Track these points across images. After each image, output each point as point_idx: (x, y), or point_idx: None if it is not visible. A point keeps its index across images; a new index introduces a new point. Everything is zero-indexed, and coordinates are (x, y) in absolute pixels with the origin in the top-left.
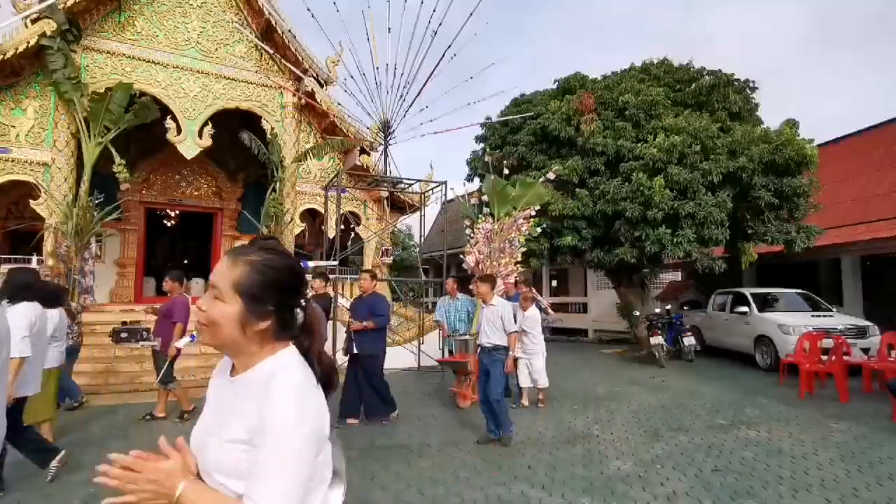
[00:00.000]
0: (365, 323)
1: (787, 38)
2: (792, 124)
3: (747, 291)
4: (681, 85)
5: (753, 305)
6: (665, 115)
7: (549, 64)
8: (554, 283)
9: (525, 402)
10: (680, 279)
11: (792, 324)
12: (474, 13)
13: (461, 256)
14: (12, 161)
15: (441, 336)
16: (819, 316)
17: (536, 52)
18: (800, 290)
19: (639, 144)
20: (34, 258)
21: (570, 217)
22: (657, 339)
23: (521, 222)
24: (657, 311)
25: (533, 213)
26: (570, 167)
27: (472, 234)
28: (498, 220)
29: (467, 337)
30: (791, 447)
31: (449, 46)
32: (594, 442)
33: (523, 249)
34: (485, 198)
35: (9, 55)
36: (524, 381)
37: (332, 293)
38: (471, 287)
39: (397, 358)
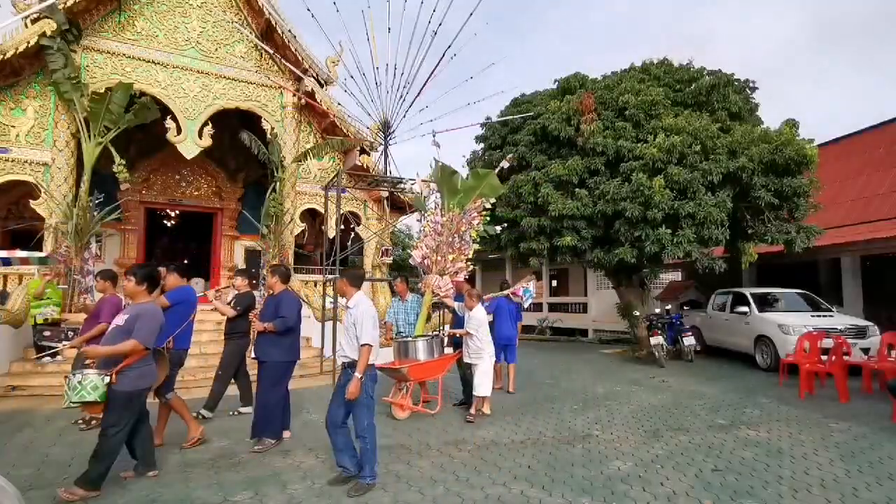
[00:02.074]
0: (266, 324)
1: (787, 37)
2: (792, 124)
3: (747, 291)
4: (681, 85)
5: (753, 305)
6: (665, 115)
7: (550, 64)
8: (554, 282)
9: (487, 410)
10: (680, 279)
11: (792, 324)
12: (474, 13)
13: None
14: (12, 161)
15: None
16: (819, 316)
17: (536, 52)
18: (800, 291)
19: (639, 144)
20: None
21: (570, 217)
22: (657, 339)
23: (474, 216)
24: (657, 311)
25: (488, 206)
26: (569, 167)
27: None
28: (447, 213)
29: (407, 339)
30: (791, 447)
31: (449, 46)
32: (594, 442)
33: (476, 246)
34: (434, 186)
35: (9, 55)
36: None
37: (255, 292)
38: (394, 287)
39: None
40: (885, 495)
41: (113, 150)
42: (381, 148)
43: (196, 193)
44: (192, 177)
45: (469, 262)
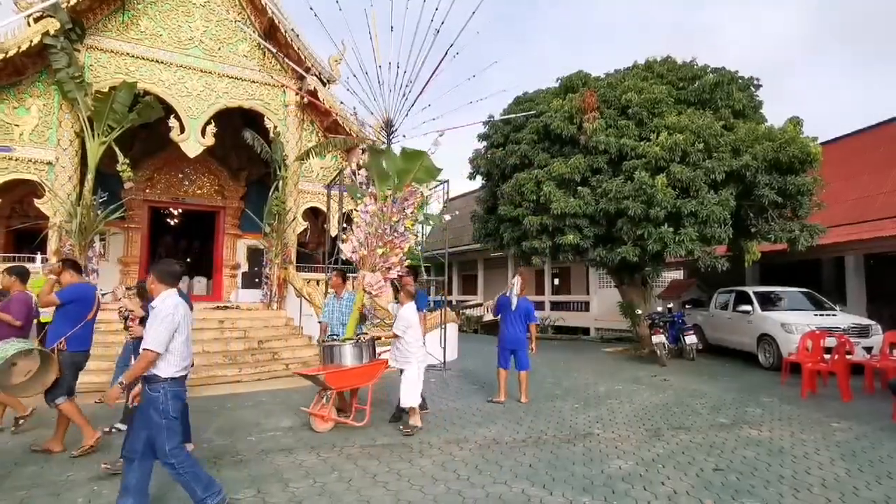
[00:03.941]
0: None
1: (791, 34)
2: (796, 122)
3: (750, 290)
4: (684, 83)
5: (756, 304)
6: (668, 114)
7: (552, 62)
8: (556, 281)
9: (417, 421)
10: (682, 278)
11: (795, 322)
12: (476, 11)
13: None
14: (16, 160)
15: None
16: (822, 315)
17: (539, 51)
18: (803, 289)
19: (641, 143)
20: (38, 257)
21: (573, 215)
22: (659, 338)
23: (408, 203)
24: (659, 309)
25: (427, 191)
26: (572, 165)
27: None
28: (379, 201)
29: (333, 343)
30: (792, 446)
31: (451, 45)
32: (595, 441)
33: (413, 240)
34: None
35: (11, 54)
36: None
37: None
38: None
39: None
40: (885, 494)
41: (117, 149)
42: (383, 146)
43: (199, 192)
44: (195, 175)
45: (405, 257)
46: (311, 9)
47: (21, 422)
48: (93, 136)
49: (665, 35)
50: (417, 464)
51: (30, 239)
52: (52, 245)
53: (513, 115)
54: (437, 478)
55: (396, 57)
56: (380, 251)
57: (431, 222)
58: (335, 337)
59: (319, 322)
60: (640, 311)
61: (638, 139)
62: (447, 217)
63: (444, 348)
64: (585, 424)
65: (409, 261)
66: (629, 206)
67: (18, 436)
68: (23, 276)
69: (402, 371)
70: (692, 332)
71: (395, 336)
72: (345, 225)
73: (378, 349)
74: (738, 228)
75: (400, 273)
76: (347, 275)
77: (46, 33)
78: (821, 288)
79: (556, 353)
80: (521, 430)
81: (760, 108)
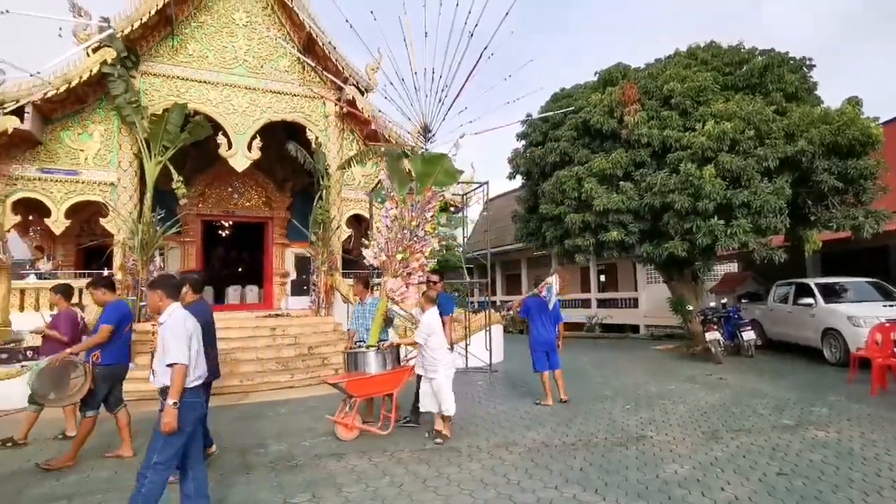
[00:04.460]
0: None
1: (846, 10)
2: (855, 102)
3: (812, 281)
4: (730, 68)
5: (819, 296)
6: (714, 101)
7: (590, 56)
8: (602, 277)
9: (440, 427)
10: (736, 271)
11: (862, 315)
12: (510, 11)
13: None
14: (83, 182)
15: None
16: (892, 306)
17: (576, 45)
18: (870, 279)
19: (686, 133)
20: (105, 272)
21: (616, 211)
22: (713, 335)
23: (429, 207)
24: (712, 304)
25: (448, 194)
26: (613, 160)
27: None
28: (400, 205)
29: (356, 350)
30: (862, 448)
31: (486, 47)
32: (648, 444)
33: (435, 245)
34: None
35: (74, 83)
36: (427, 405)
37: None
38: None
39: None
40: None
41: (171, 167)
42: (422, 152)
43: (248, 204)
44: (243, 188)
45: (428, 262)
46: (346, 21)
47: (59, 436)
48: (149, 156)
49: (704, 21)
50: (467, 468)
51: (98, 255)
52: (117, 261)
53: (551, 113)
54: (487, 482)
55: (432, 62)
56: (399, 256)
57: (454, 224)
58: (361, 343)
59: (347, 330)
60: (691, 307)
61: (682, 129)
62: (473, 219)
63: (490, 350)
64: (638, 426)
65: (430, 265)
66: (675, 200)
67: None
68: (67, 293)
69: (430, 379)
70: (750, 327)
71: (415, 344)
72: (368, 230)
73: (405, 354)
74: (795, 217)
75: (422, 279)
76: (371, 281)
77: (105, 62)
78: (889, 277)
79: (604, 352)
80: (571, 432)
81: (815, 90)
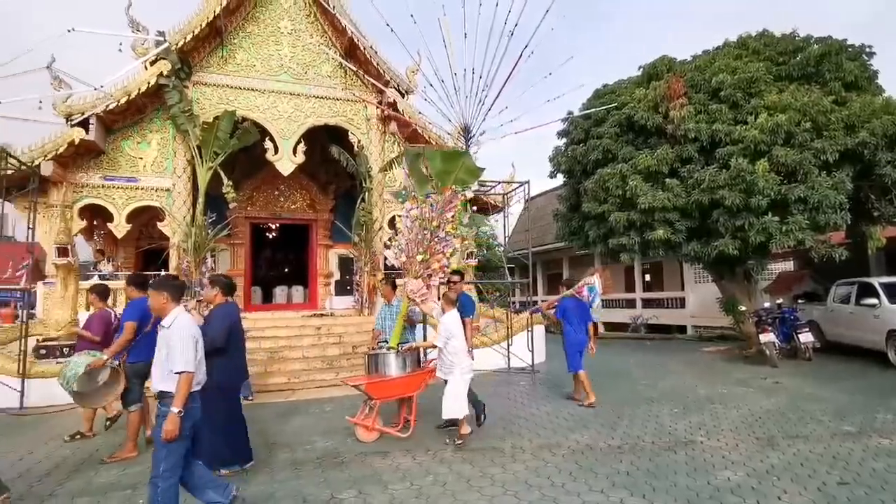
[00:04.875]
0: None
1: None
2: None
3: (876, 281)
4: (784, 57)
5: (884, 296)
6: (767, 92)
7: (632, 50)
8: (647, 277)
9: (466, 430)
10: (792, 270)
11: None
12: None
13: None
14: (142, 189)
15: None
16: None
17: (617, 39)
18: None
19: (737, 127)
20: (162, 274)
21: (662, 209)
22: (768, 337)
23: (450, 207)
24: (766, 305)
25: (469, 194)
26: (659, 157)
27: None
28: (420, 205)
29: (380, 351)
30: None
31: (526, 46)
32: (699, 449)
33: (457, 246)
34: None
35: (133, 95)
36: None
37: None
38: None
39: (487, 359)
40: None
41: (221, 172)
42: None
43: (293, 207)
44: (288, 191)
45: (450, 263)
46: (387, 24)
47: (108, 423)
48: (201, 162)
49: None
50: (510, 469)
51: (155, 257)
52: (172, 262)
53: (593, 110)
54: (531, 484)
55: (471, 62)
56: (419, 257)
57: (478, 224)
58: (384, 343)
59: (373, 329)
60: (743, 308)
61: (733, 123)
62: (515, 213)
63: (532, 351)
64: (687, 431)
65: (451, 266)
66: (725, 196)
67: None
68: (102, 293)
69: (445, 381)
70: (807, 329)
71: (433, 346)
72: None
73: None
74: (857, 213)
75: (442, 280)
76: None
77: (161, 74)
78: None
79: (650, 353)
80: (616, 435)
81: (875, 79)
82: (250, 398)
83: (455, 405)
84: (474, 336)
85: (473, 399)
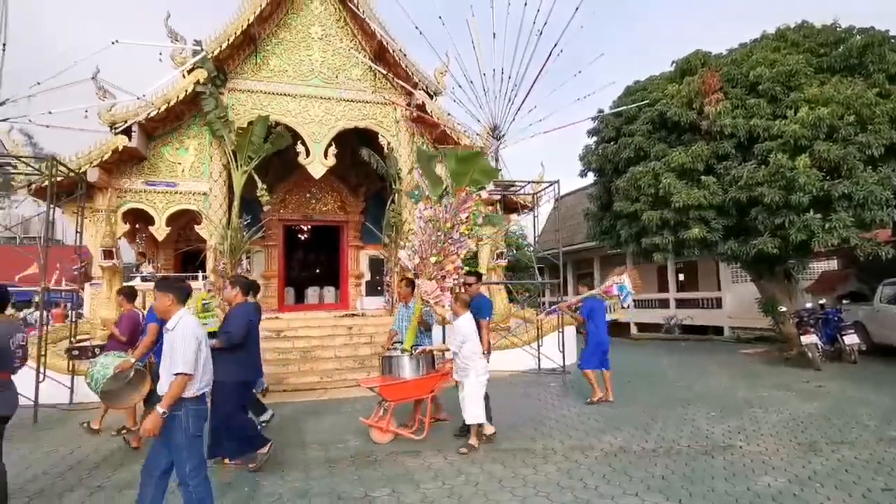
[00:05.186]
0: (213, 341)
1: None
2: None
3: None
4: (825, 49)
5: None
6: (807, 86)
7: (664, 46)
8: (681, 276)
9: (475, 441)
10: (836, 268)
11: None
12: (580, 8)
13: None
14: (180, 193)
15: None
16: None
17: (648, 36)
18: None
19: (776, 121)
20: (200, 275)
21: (697, 207)
22: (810, 338)
23: (464, 208)
24: (808, 305)
25: (484, 194)
26: (693, 154)
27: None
28: (434, 206)
29: (393, 353)
30: None
31: (555, 44)
32: (738, 454)
33: (472, 247)
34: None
35: (172, 103)
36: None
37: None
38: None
39: (517, 360)
40: None
41: (256, 176)
42: (491, 152)
43: (324, 209)
44: (320, 194)
45: (464, 264)
46: (416, 27)
47: (123, 431)
48: (236, 166)
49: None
50: (542, 470)
51: (193, 259)
52: (209, 264)
53: (624, 107)
54: (563, 486)
55: (500, 63)
56: (433, 259)
57: (494, 224)
58: (399, 344)
59: (389, 330)
60: (784, 308)
61: (772, 118)
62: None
63: (563, 352)
64: (725, 435)
65: (466, 268)
66: (764, 193)
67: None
68: (130, 295)
69: (461, 384)
70: (852, 330)
71: (447, 349)
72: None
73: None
74: None
75: (457, 281)
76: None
77: (198, 82)
78: None
79: (685, 354)
80: (651, 438)
81: None
82: (263, 390)
83: (473, 409)
84: (493, 338)
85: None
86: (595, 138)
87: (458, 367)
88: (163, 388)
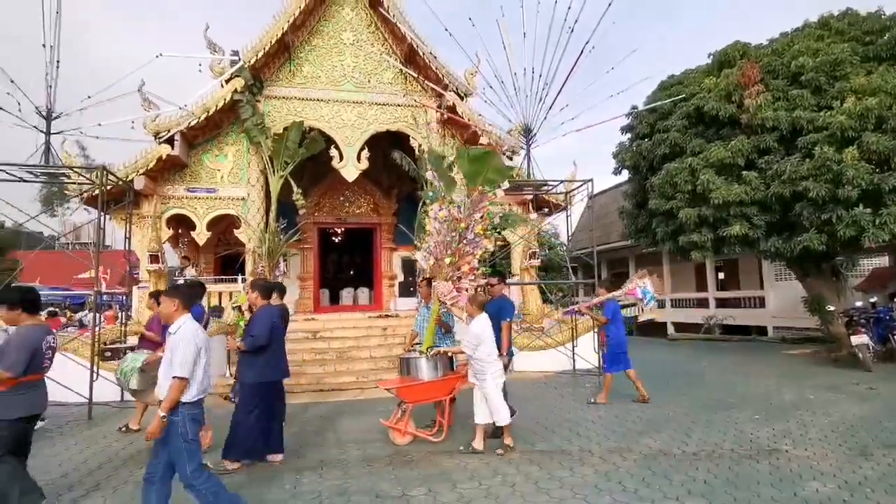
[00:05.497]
0: (238, 343)
1: None
2: None
3: None
4: (871, 37)
5: None
6: (853, 75)
7: (700, 38)
8: (720, 275)
9: (479, 444)
10: (887, 265)
11: None
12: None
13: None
14: (220, 199)
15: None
16: None
17: (683, 27)
18: None
19: (821, 113)
20: (239, 278)
21: (738, 203)
22: (861, 338)
23: (478, 208)
24: (858, 304)
25: (500, 193)
26: (733, 148)
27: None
28: (448, 206)
29: (412, 354)
30: None
31: (587, 41)
32: (784, 458)
33: (488, 248)
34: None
35: (212, 112)
36: (480, 417)
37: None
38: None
39: (552, 361)
40: None
41: (291, 181)
42: (523, 152)
43: (358, 211)
44: (353, 197)
45: (482, 266)
46: (446, 30)
47: (123, 429)
48: (273, 172)
49: None
50: (579, 472)
51: (232, 262)
52: (248, 267)
53: (659, 102)
54: (602, 488)
55: (531, 61)
56: (447, 260)
57: (512, 224)
58: (419, 345)
59: (411, 331)
60: (832, 307)
61: (816, 109)
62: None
63: (599, 353)
64: (770, 438)
65: (482, 269)
66: (809, 188)
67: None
68: (159, 298)
69: (479, 387)
70: None
71: (460, 351)
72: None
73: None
74: None
75: (473, 282)
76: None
77: (235, 91)
78: None
79: (726, 355)
80: (691, 441)
81: None
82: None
83: (498, 410)
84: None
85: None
86: (629, 135)
87: (473, 370)
88: (161, 391)
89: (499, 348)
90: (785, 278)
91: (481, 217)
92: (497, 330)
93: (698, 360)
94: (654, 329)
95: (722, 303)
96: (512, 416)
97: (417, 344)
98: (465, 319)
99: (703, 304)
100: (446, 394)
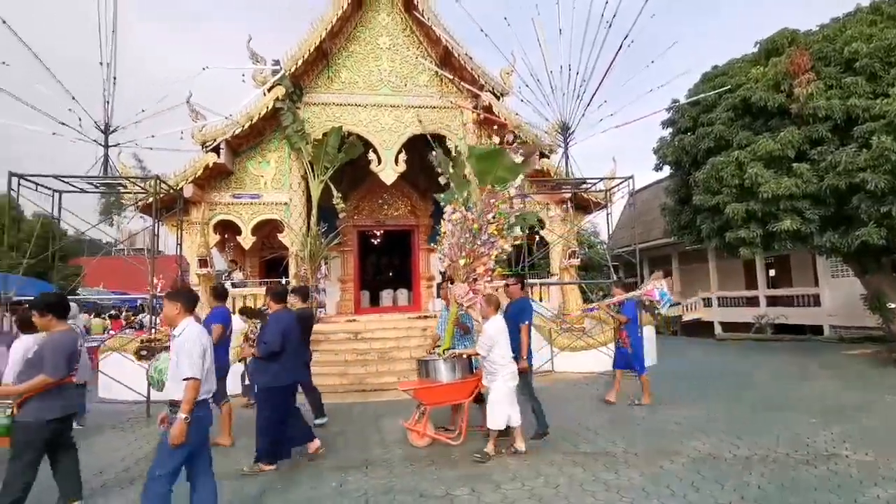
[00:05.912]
0: (252, 350)
1: None
2: None
3: None
4: None
5: None
6: None
7: (740, 30)
8: (771, 272)
9: (520, 445)
10: None
11: None
12: None
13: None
14: (263, 204)
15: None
16: None
17: (722, 20)
18: None
19: (878, 100)
20: (283, 280)
21: (788, 197)
22: None
23: (491, 205)
24: None
25: (514, 191)
26: (783, 140)
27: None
28: (461, 206)
29: (430, 357)
30: None
31: (626, 35)
32: (843, 463)
33: (505, 248)
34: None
35: (255, 120)
36: (514, 420)
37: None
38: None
39: (593, 361)
40: None
41: (331, 185)
42: (560, 150)
43: (396, 214)
44: (391, 199)
45: (499, 267)
46: (481, 30)
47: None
48: (314, 177)
49: None
50: (625, 475)
51: (276, 266)
52: (291, 270)
53: (702, 95)
54: (649, 492)
55: (567, 59)
56: (462, 262)
57: (528, 223)
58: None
59: (434, 333)
60: (894, 305)
61: (872, 97)
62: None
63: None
64: (828, 442)
65: (497, 270)
66: (867, 179)
67: None
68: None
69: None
70: None
71: (476, 354)
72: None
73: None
74: None
75: (489, 283)
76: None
77: (277, 99)
78: None
79: (779, 356)
80: (742, 445)
81: None
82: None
83: (496, 414)
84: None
85: (539, 409)
86: (670, 130)
87: (486, 372)
88: (169, 393)
89: (518, 351)
90: (842, 275)
91: (494, 217)
92: (517, 332)
93: (748, 361)
94: (700, 329)
95: (773, 301)
96: (543, 436)
97: (438, 346)
98: (481, 321)
99: (752, 302)
100: (465, 396)
